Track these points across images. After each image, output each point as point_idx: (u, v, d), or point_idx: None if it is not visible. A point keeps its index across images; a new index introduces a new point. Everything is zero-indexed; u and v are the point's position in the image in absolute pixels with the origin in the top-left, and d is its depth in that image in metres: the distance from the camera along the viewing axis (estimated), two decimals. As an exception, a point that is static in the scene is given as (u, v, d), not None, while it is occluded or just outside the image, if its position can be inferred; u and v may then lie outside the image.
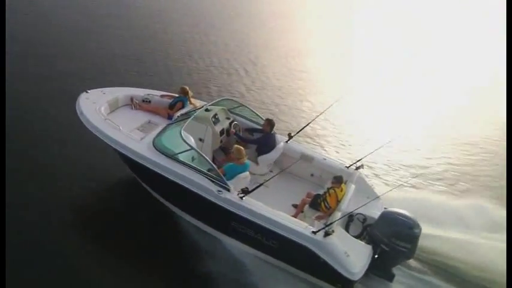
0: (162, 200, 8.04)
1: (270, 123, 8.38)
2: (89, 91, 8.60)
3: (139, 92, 9.22)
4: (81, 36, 16.56)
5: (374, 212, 7.50)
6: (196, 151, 7.09)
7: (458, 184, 11.11)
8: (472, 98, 18.17)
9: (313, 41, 22.57)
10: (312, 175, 8.75)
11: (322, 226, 6.88)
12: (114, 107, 8.65)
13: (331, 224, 6.52)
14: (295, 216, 7.48)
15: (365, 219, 7.61)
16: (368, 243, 7.06)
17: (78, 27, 17.45)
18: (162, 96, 9.25)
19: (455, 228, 8.31)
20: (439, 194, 9.95)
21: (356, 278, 6.39)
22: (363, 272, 6.50)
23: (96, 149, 8.77)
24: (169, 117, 8.73)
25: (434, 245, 7.83)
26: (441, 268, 7.71)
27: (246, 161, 7.30)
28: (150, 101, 9.12)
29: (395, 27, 27.67)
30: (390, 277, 7.23)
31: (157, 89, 9.71)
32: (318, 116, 8.71)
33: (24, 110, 10.59)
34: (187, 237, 7.42)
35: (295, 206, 8.01)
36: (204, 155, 7.06)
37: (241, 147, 7.25)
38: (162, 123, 8.49)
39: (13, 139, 9.12)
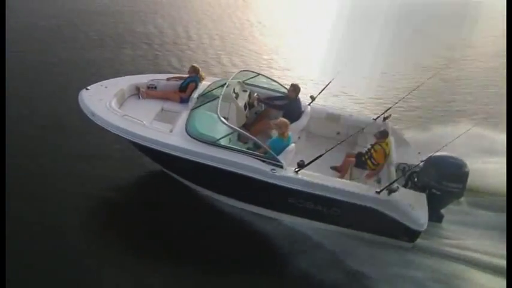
0: (207, 191, 7.44)
1: (295, 88, 7.95)
2: (89, 87, 7.67)
3: (142, 79, 8.40)
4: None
5: (412, 159, 7.52)
6: (241, 132, 6.62)
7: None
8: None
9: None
10: (338, 133, 8.57)
11: (378, 184, 6.85)
12: (122, 100, 7.81)
13: (394, 181, 6.46)
14: (341, 178, 7.36)
15: (405, 168, 7.63)
16: (417, 191, 7.14)
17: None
18: (168, 79, 8.47)
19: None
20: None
21: (424, 227, 6.46)
22: (427, 220, 6.59)
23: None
24: (182, 100, 8.07)
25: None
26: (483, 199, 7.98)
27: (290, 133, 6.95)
28: (155, 87, 8.34)
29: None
30: (440, 218, 7.42)
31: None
32: (337, 75, 8.43)
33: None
34: (246, 225, 6.96)
35: (334, 168, 7.85)
36: (250, 135, 6.61)
37: (286, 120, 6.84)
38: (177, 108, 7.86)
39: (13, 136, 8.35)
